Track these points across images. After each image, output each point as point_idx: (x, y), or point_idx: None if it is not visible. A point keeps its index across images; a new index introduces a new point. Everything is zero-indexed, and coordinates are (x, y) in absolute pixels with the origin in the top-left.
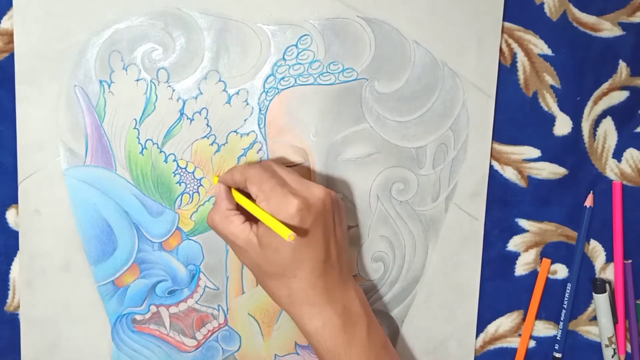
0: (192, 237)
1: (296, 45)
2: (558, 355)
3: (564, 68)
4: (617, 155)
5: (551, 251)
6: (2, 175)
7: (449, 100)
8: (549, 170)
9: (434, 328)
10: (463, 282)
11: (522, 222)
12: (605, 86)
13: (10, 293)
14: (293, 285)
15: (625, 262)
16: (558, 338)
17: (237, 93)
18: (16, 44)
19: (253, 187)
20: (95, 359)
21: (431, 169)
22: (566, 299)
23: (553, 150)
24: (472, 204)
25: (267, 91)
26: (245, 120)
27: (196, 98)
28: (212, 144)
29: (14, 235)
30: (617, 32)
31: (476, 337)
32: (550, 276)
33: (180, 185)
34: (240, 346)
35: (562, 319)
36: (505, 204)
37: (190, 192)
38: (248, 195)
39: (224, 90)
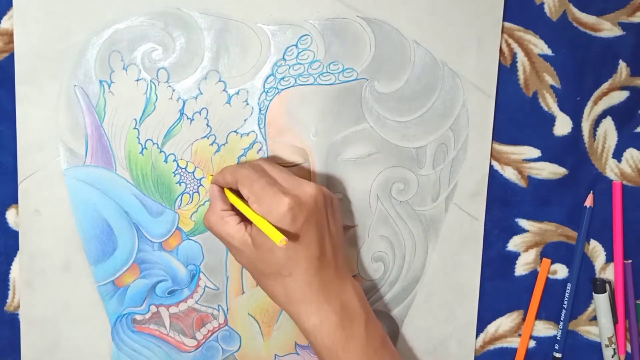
0: (192, 237)
1: (296, 45)
2: (558, 355)
3: (564, 68)
4: (617, 155)
5: (551, 251)
6: (2, 175)
7: (449, 100)
8: (549, 170)
9: (434, 328)
10: (463, 282)
11: (522, 222)
12: (605, 86)
13: (10, 293)
14: (289, 284)
15: (625, 262)
16: (558, 338)
17: (237, 93)
18: (16, 44)
19: (244, 188)
20: (95, 359)
21: (431, 169)
22: (566, 299)
23: (553, 150)
24: (472, 204)
25: (267, 91)
26: (245, 120)
27: (196, 98)
28: (212, 144)
29: (14, 235)
30: (617, 32)
31: (476, 337)
32: (550, 276)
33: (180, 185)
34: (240, 346)
35: (562, 319)
36: (505, 204)
37: (190, 192)
38: (241, 195)
39: (224, 90)
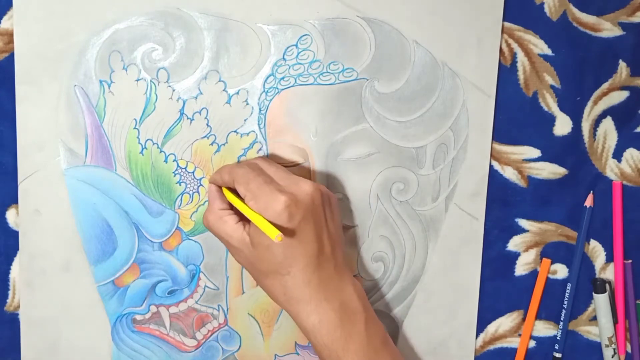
0: (192, 237)
1: (296, 45)
2: (558, 355)
3: (564, 68)
4: (617, 155)
5: (551, 251)
6: (2, 175)
7: (449, 100)
8: (549, 170)
9: (434, 328)
10: (463, 282)
11: (522, 222)
12: (605, 86)
13: (10, 293)
14: (287, 282)
15: (625, 262)
16: (558, 338)
17: (237, 93)
18: (16, 44)
19: (240, 187)
20: (95, 359)
21: (431, 169)
22: (566, 299)
23: (553, 150)
24: (472, 204)
25: (267, 91)
26: (245, 120)
27: (196, 98)
28: (212, 144)
29: (14, 235)
30: (617, 32)
31: (476, 337)
32: (550, 276)
33: (180, 185)
34: (240, 346)
35: (562, 319)
36: (505, 204)
37: (190, 192)
38: (239, 194)
39: (224, 90)
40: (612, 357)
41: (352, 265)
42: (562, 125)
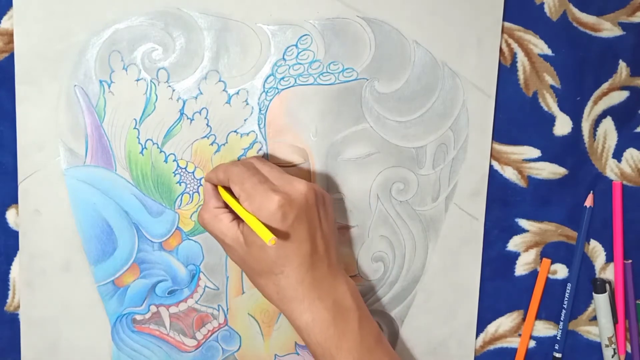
0: (192, 237)
1: (296, 45)
2: (558, 355)
3: (564, 68)
4: (617, 155)
5: (551, 251)
6: (2, 175)
7: (449, 100)
8: (549, 170)
9: (434, 328)
10: (463, 282)
11: (522, 222)
12: (605, 86)
13: (10, 293)
14: (281, 281)
15: (625, 262)
16: (558, 338)
17: (237, 93)
18: (16, 44)
19: (235, 186)
20: (95, 359)
21: (431, 169)
22: (566, 299)
23: (553, 150)
24: (472, 204)
25: (267, 91)
26: (245, 120)
27: (196, 98)
28: (212, 144)
29: (14, 235)
30: (617, 32)
31: (476, 337)
32: (550, 276)
33: (180, 185)
34: (240, 346)
35: (562, 319)
36: (505, 204)
37: (190, 192)
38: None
39: (224, 90)
40: (612, 357)
41: (352, 265)
42: (562, 125)
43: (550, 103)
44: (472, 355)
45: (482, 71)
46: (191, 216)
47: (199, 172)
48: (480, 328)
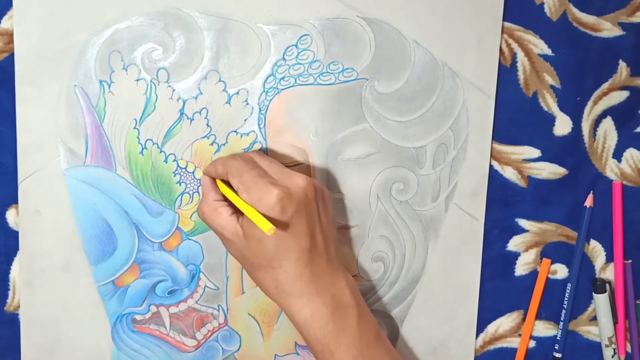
0: (192, 237)
1: (296, 45)
2: (558, 355)
3: (564, 68)
4: (617, 155)
5: (551, 251)
6: (2, 175)
7: (449, 100)
8: (549, 170)
9: (434, 328)
10: (463, 282)
11: (522, 222)
12: (605, 86)
13: (10, 293)
14: (279, 275)
15: (625, 262)
16: (558, 338)
17: (237, 93)
18: (16, 44)
19: (234, 179)
20: (95, 359)
21: (431, 169)
22: (566, 299)
23: (553, 150)
24: (472, 204)
25: (267, 91)
26: (245, 120)
27: (196, 98)
28: (212, 144)
29: (14, 235)
30: (617, 32)
31: (476, 337)
32: (550, 276)
33: (180, 185)
34: (240, 346)
35: (562, 319)
36: (505, 204)
37: (190, 192)
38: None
39: (224, 90)
40: (612, 357)
41: (352, 265)
42: (562, 125)
43: (550, 103)
44: (472, 355)
45: (482, 71)
46: (191, 216)
47: (199, 172)
48: (480, 328)
